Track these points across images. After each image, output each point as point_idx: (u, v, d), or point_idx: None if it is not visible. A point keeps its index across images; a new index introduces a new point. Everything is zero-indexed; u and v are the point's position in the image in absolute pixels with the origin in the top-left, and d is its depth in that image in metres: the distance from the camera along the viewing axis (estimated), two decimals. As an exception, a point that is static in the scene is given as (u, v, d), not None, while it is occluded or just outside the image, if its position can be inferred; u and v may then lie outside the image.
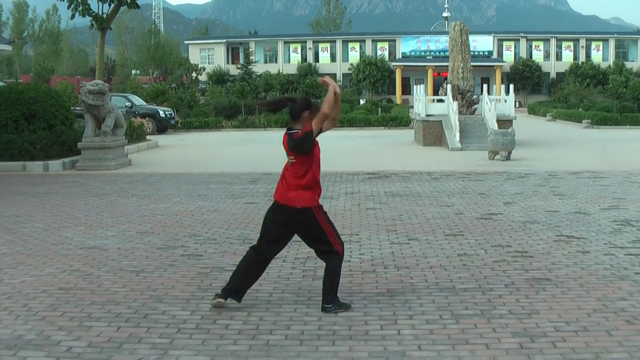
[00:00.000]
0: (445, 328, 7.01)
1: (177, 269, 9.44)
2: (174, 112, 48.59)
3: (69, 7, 29.52)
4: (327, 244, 7.58)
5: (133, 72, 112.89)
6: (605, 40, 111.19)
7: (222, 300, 7.67)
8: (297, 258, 9.97)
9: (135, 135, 31.31)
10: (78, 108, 31.67)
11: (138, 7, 31.40)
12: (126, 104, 43.01)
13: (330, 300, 7.54)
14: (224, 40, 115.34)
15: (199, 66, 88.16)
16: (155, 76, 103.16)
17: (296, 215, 7.50)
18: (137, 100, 46.33)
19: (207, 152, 30.19)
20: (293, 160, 7.42)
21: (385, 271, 9.21)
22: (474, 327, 7.04)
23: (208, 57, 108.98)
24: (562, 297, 8.04)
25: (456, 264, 9.50)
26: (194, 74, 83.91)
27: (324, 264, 7.71)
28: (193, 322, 7.25)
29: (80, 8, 29.14)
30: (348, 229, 12.27)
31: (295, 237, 11.45)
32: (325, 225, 7.57)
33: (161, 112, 44.71)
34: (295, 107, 7.45)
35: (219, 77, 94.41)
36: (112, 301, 8.02)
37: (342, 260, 7.68)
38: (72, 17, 30.71)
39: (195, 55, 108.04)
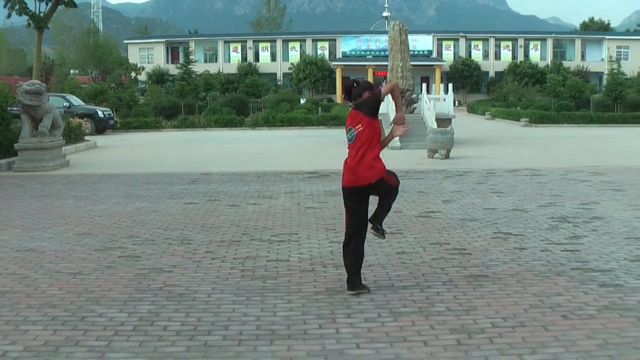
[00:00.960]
0: (383, 326, 7.03)
1: (114, 271, 9.35)
2: (112, 112, 48.22)
3: (5, 6, 29.22)
4: (392, 189, 8.43)
5: (71, 71, 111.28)
6: (544, 40, 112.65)
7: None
8: (235, 258, 9.94)
9: (73, 135, 30.98)
10: (15, 108, 31.21)
11: (75, 6, 31.15)
12: (64, 104, 42.50)
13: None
14: (164, 40, 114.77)
15: (139, 66, 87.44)
16: (94, 76, 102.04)
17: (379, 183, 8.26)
18: (75, 100, 45.83)
19: (146, 152, 29.99)
20: (358, 130, 8.11)
21: (324, 270, 9.24)
22: (412, 324, 7.07)
23: (147, 57, 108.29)
24: (500, 293, 8.13)
25: (395, 262, 9.54)
26: (133, 74, 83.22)
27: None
28: (130, 324, 7.18)
29: (17, 7, 28.85)
30: (287, 228, 12.28)
31: (234, 237, 11.45)
32: (390, 180, 8.40)
33: (100, 112, 44.31)
34: (359, 88, 8.22)
35: (158, 77, 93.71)
36: (48, 304, 7.91)
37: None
38: (9, 16, 30.39)
39: (134, 54, 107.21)
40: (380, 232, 8.42)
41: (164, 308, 7.70)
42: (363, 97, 8.18)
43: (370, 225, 8.36)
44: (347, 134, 8.25)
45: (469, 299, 7.89)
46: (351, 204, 8.45)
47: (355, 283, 8.15)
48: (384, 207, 8.44)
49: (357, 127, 8.09)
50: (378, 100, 8.15)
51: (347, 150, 8.32)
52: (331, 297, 8.01)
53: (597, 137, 37.25)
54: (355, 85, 8.29)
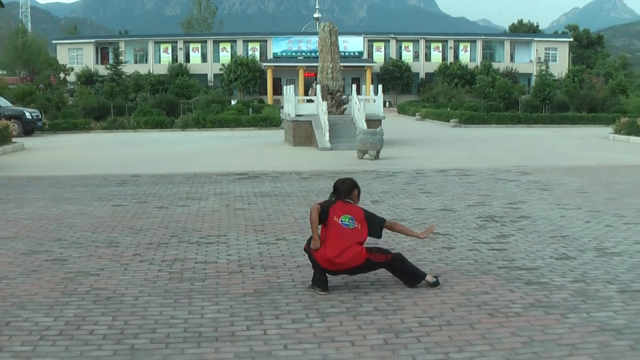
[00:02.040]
0: (311, 327, 7.04)
1: (41, 275, 9.20)
2: (41, 113, 47.56)
3: None
4: (380, 265, 8.51)
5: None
6: (473, 42, 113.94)
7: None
8: (163, 260, 9.85)
9: (0, 137, 30.51)
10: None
11: (2, 5, 30.64)
12: (-9, 105, 41.89)
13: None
14: (93, 40, 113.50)
15: (68, 66, 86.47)
16: (22, 77, 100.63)
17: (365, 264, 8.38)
18: (3, 102, 45.08)
19: (75, 154, 29.66)
20: (358, 226, 8.40)
21: (253, 271, 9.20)
22: (340, 324, 7.08)
23: (77, 57, 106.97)
24: (427, 292, 8.18)
25: (323, 263, 9.54)
26: (62, 75, 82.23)
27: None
28: (56, 329, 7.07)
29: (-58, 6, 28.30)
30: (216, 230, 12.23)
31: (163, 240, 11.36)
32: (376, 257, 8.46)
33: (28, 114, 43.67)
34: (347, 186, 8.83)
35: (87, 78, 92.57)
36: (-28, 309, 7.77)
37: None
38: None
39: (63, 55, 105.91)
40: (436, 282, 8.50)
41: (91, 312, 7.60)
42: (353, 194, 8.77)
43: (428, 282, 8.48)
44: (344, 219, 8.39)
45: (397, 299, 7.93)
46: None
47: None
48: (406, 268, 8.58)
49: (358, 224, 8.39)
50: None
51: (330, 232, 8.38)
52: (259, 299, 7.98)
53: (525, 138, 37.78)
54: (341, 183, 8.86)
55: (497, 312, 7.46)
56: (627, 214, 13.62)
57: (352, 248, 8.20)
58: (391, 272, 8.55)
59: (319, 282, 8.32)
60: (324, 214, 8.39)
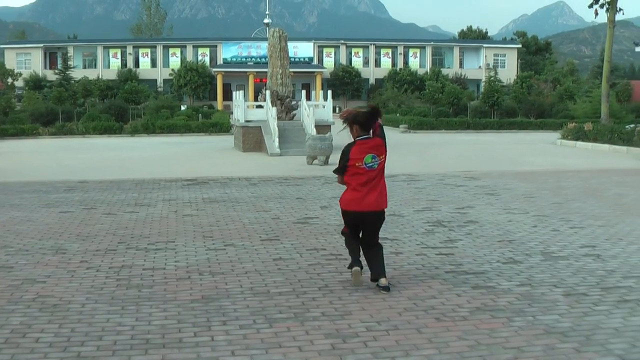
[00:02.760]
0: (258, 332, 7.02)
1: (-14, 282, 9.12)
2: (-13, 119, 47.10)
3: None
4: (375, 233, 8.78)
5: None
6: (423, 48, 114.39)
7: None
8: (111, 267, 9.77)
9: (-55, 143, 30.22)
10: None
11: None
12: (-64, 111, 41.40)
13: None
14: (42, 45, 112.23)
15: (15, 71, 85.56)
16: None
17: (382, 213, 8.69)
18: (-52, 108, 44.64)
19: (22, 160, 29.36)
20: (382, 159, 8.51)
21: (200, 277, 9.17)
22: (287, 330, 7.08)
23: (25, 62, 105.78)
24: (374, 297, 8.21)
25: (271, 269, 9.54)
26: (9, 80, 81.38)
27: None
28: (2, 337, 6.97)
29: None
30: (164, 236, 12.16)
31: (110, 246, 11.27)
32: None
33: (-26, 120, 43.27)
34: (372, 115, 8.74)
35: (36, 83, 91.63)
36: None
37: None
38: None
39: (11, 60, 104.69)
40: (387, 287, 8.49)
41: (37, 319, 7.51)
42: (373, 124, 8.63)
43: (381, 284, 8.50)
44: (367, 160, 8.42)
45: (344, 304, 7.95)
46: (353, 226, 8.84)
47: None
48: (381, 258, 8.66)
49: (380, 157, 8.46)
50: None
51: (355, 175, 8.51)
52: (207, 305, 7.96)
53: (473, 143, 38.09)
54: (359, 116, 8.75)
55: (444, 316, 7.50)
56: (573, 218, 13.80)
57: (383, 189, 8.54)
58: (368, 255, 8.67)
59: (354, 250, 8.69)
60: (344, 160, 8.57)
